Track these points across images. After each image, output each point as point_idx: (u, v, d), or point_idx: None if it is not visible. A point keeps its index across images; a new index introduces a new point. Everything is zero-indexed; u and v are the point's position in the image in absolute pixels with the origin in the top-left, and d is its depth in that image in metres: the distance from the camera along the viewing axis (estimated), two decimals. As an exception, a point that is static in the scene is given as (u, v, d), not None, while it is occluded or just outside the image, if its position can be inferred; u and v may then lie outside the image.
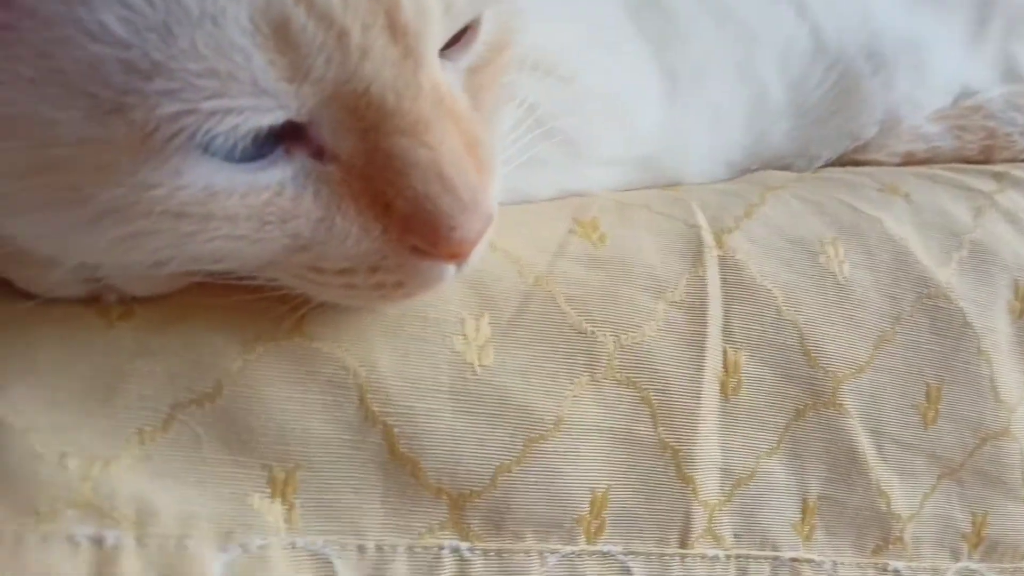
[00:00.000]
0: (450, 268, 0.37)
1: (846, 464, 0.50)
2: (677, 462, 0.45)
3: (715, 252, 0.50)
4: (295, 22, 0.30)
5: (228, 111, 0.29)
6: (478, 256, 0.37)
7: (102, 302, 0.37)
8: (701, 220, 0.51)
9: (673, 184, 0.60)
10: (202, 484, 0.36)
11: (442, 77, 0.35)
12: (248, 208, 0.32)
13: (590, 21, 0.58)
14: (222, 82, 0.29)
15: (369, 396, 0.39)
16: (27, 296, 0.36)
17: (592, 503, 0.42)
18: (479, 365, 0.42)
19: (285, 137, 0.33)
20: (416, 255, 0.35)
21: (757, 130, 0.67)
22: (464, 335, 0.42)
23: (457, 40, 0.37)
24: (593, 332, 0.44)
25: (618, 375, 0.44)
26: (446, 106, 0.35)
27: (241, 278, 0.36)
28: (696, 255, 0.49)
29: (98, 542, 0.33)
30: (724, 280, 0.49)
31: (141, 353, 0.36)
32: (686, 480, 0.45)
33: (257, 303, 0.38)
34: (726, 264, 0.50)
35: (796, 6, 0.70)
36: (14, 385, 0.34)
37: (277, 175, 0.33)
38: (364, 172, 0.34)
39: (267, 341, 0.38)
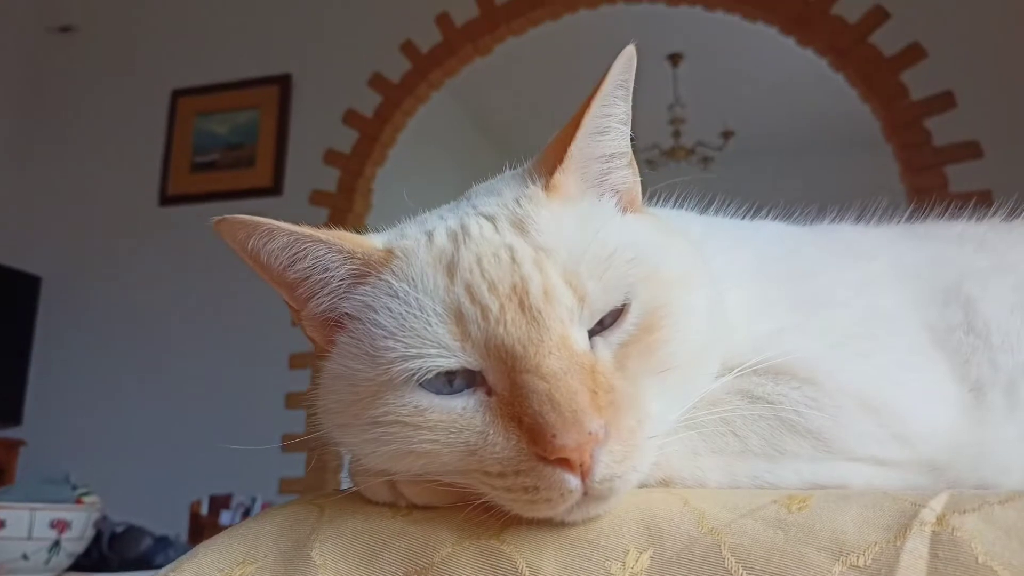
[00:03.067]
0: (571, 478, 0.48)
1: None
2: None
3: (929, 528, 0.46)
4: (464, 305, 0.51)
5: (423, 357, 0.51)
6: (602, 473, 0.48)
7: (397, 505, 0.57)
8: (936, 503, 0.48)
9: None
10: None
11: (579, 342, 0.52)
12: (442, 422, 0.52)
13: (857, 320, 0.63)
14: (422, 341, 0.51)
15: (528, 592, 0.49)
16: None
17: None
18: (626, 587, 0.48)
19: (475, 382, 0.52)
20: (541, 462, 0.48)
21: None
22: (623, 563, 0.49)
23: (613, 323, 0.53)
24: (748, 579, 0.46)
25: (771, 626, 0.44)
26: (577, 360, 0.50)
27: (457, 485, 0.53)
28: (901, 528, 0.47)
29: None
30: (934, 555, 0.45)
31: (400, 535, 0.55)
32: None
33: (480, 515, 0.54)
34: (939, 540, 0.45)
35: None
36: (328, 540, 0.55)
37: (461, 402, 0.52)
38: (509, 400, 0.51)
39: (473, 539, 0.53)
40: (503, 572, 0.50)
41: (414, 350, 0.52)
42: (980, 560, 0.44)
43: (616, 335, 0.54)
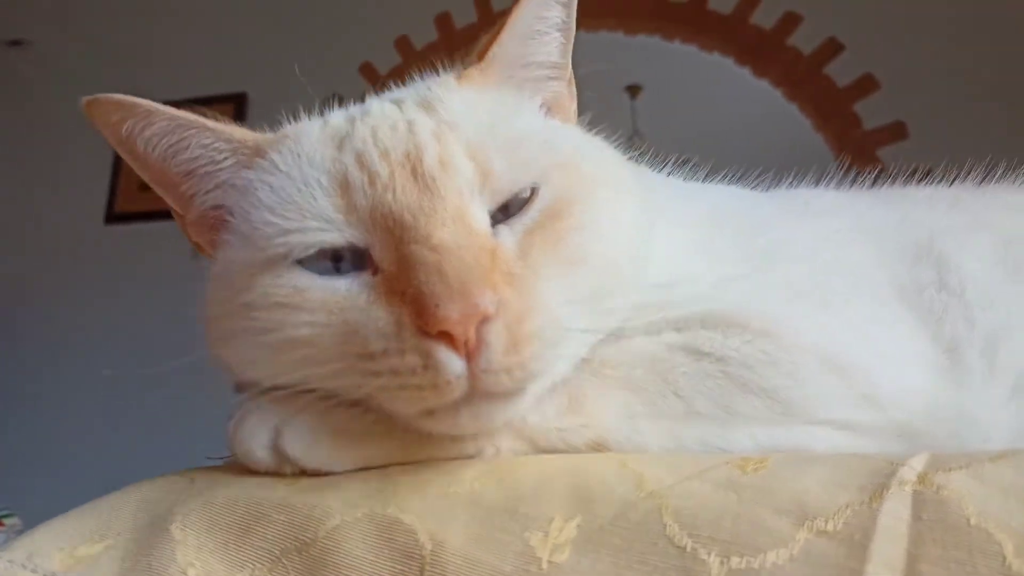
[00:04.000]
0: (454, 359, 0.42)
1: None
2: None
3: (909, 488, 0.38)
4: (351, 174, 0.46)
5: (303, 231, 0.46)
6: (489, 359, 0.42)
7: (281, 472, 0.48)
8: (916, 462, 0.41)
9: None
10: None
11: (478, 219, 0.46)
12: (323, 302, 0.45)
13: (817, 274, 0.57)
14: (302, 214, 0.46)
15: (428, 569, 0.40)
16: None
17: None
18: (547, 561, 0.39)
19: (363, 265, 0.46)
20: (424, 337, 0.42)
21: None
22: (546, 532, 0.41)
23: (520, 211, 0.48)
24: (694, 549, 0.38)
25: (723, 604, 0.36)
26: (474, 239, 0.44)
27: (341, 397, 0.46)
28: (878, 488, 0.39)
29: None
30: (916, 517, 0.37)
31: (281, 506, 0.45)
32: None
33: (378, 481, 0.45)
34: (923, 500, 0.38)
35: None
36: (192, 512, 0.46)
37: (346, 283, 0.46)
38: (394, 274, 0.45)
39: (367, 508, 0.43)
40: (401, 547, 0.41)
41: (294, 223, 0.46)
42: (972, 522, 0.36)
43: (522, 221, 0.48)
